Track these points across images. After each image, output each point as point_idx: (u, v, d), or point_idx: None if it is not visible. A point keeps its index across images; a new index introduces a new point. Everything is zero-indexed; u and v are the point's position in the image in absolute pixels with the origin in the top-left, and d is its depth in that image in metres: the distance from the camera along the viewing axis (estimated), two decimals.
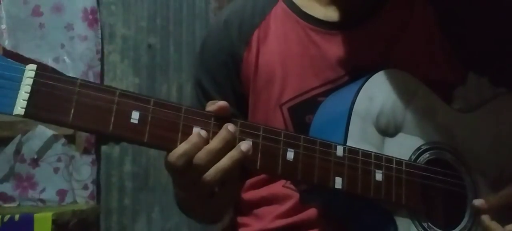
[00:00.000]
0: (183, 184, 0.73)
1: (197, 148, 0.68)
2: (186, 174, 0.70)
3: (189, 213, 0.93)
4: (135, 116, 0.66)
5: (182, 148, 0.68)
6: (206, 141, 0.69)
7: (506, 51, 0.95)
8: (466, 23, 0.93)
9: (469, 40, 0.93)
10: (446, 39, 0.93)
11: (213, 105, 0.71)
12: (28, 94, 0.63)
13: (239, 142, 0.70)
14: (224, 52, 0.97)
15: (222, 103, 0.71)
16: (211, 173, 0.69)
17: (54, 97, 0.64)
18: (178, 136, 0.68)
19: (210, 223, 0.93)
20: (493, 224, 0.82)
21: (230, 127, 0.70)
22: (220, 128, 0.70)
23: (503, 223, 0.82)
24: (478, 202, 0.84)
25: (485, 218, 0.83)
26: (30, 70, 0.64)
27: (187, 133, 0.69)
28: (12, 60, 0.64)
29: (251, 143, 0.71)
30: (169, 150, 0.68)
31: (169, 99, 2.39)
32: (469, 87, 0.98)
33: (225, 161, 0.69)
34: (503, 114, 0.93)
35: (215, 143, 0.69)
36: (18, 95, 0.63)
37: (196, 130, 0.69)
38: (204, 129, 0.69)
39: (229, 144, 0.70)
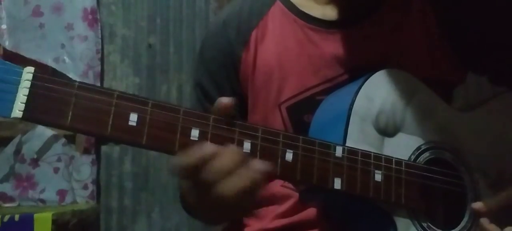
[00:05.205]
0: (191, 190, 0.70)
1: (203, 161, 0.65)
2: (193, 181, 0.67)
3: (194, 214, 0.92)
4: (133, 118, 0.66)
5: (187, 158, 0.66)
6: (213, 156, 0.66)
7: (505, 50, 0.95)
8: (465, 22, 0.93)
9: (468, 39, 0.93)
10: (445, 38, 0.93)
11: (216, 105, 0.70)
12: (26, 97, 0.62)
13: (238, 143, 0.70)
14: (223, 53, 0.97)
15: (225, 100, 0.69)
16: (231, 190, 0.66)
17: (52, 100, 0.63)
18: (176, 137, 0.68)
19: (214, 224, 0.93)
20: (492, 227, 0.82)
21: (258, 165, 0.67)
22: (218, 129, 0.70)
23: (502, 225, 0.82)
24: (476, 205, 0.84)
25: (484, 221, 0.82)
26: (28, 73, 0.63)
27: (186, 135, 0.68)
28: (10, 63, 0.63)
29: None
30: (168, 152, 0.68)
31: (169, 99, 2.40)
32: (469, 86, 0.98)
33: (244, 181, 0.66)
34: (502, 114, 0.93)
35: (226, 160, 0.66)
36: (16, 98, 0.62)
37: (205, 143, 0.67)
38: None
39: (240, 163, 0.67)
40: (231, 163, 0.65)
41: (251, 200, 0.68)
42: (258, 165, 0.67)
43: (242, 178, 0.65)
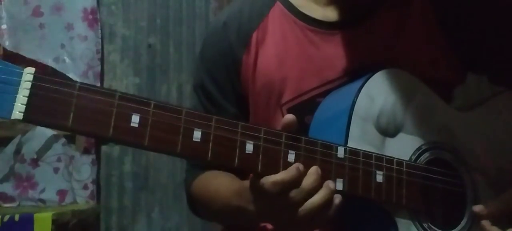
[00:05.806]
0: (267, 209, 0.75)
1: (295, 181, 0.71)
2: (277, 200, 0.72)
3: (220, 221, 0.99)
4: (135, 119, 0.65)
5: (279, 176, 0.71)
6: (304, 174, 0.72)
7: (504, 50, 0.95)
8: (465, 22, 0.93)
9: (468, 39, 0.93)
10: (445, 38, 0.93)
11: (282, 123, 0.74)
12: (27, 98, 0.62)
13: (241, 144, 0.70)
14: (224, 56, 0.97)
15: (289, 117, 0.74)
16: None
17: (53, 101, 0.63)
18: (179, 139, 0.67)
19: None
20: (494, 229, 0.82)
21: (331, 184, 0.74)
22: (221, 131, 0.70)
23: (503, 227, 0.82)
24: (477, 208, 0.84)
25: (485, 223, 0.82)
26: (28, 74, 0.63)
27: (188, 136, 0.68)
28: (10, 63, 0.63)
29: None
30: (170, 153, 0.68)
31: (169, 99, 2.40)
32: (469, 86, 0.97)
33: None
34: (502, 113, 0.93)
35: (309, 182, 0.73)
36: (16, 99, 0.61)
37: (295, 164, 0.72)
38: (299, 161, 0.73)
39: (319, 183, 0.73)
40: (315, 182, 0.72)
41: (325, 216, 0.74)
42: (331, 184, 0.73)
43: (319, 196, 0.72)
